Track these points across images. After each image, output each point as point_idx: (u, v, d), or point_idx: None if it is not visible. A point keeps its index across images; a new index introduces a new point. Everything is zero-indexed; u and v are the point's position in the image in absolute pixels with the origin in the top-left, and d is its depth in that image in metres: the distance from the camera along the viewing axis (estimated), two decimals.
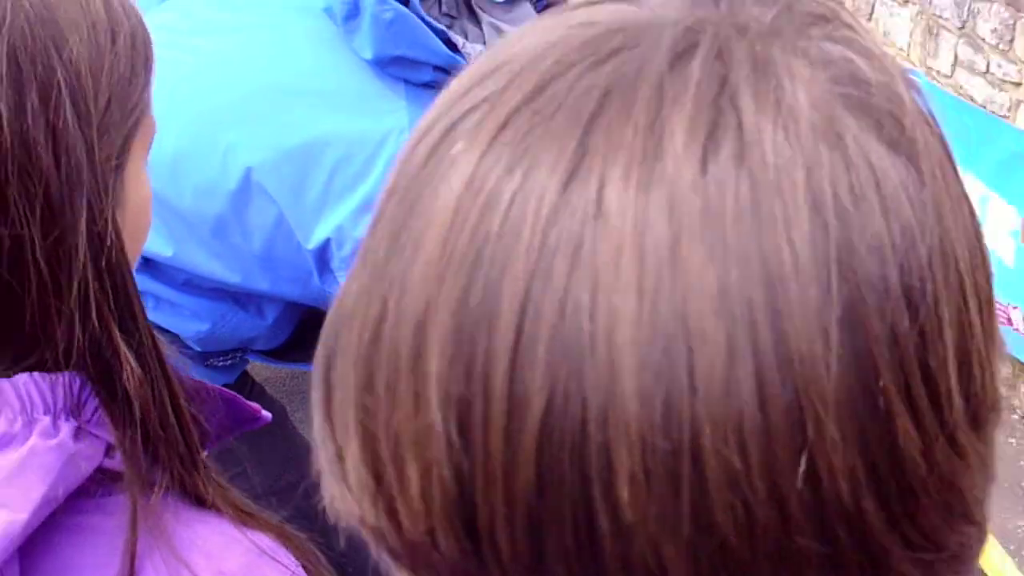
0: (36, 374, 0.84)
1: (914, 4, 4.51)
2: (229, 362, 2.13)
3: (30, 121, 0.81)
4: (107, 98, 0.87)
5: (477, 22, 1.91)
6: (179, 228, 1.87)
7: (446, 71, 1.76)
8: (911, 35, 4.58)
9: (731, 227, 0.41)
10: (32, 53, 0.82)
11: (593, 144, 0.43)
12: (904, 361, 0.43)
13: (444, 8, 1.87)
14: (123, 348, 0.86)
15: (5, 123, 0.81)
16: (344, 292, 0.48)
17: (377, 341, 0.45)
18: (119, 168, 0.90)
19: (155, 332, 0.91)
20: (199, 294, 1.97)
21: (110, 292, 0.86)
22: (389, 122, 1.78)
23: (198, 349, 2.06)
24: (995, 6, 3.92)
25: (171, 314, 1.98)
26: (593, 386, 0.41)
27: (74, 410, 0.85)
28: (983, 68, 4.06)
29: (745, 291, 0.41)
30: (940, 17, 4.31)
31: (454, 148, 0.45)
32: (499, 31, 1.86)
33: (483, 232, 0.43)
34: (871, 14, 4.94)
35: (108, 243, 0.86)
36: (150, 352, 0.89)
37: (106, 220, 0.86)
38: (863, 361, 0.42)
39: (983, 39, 4.03)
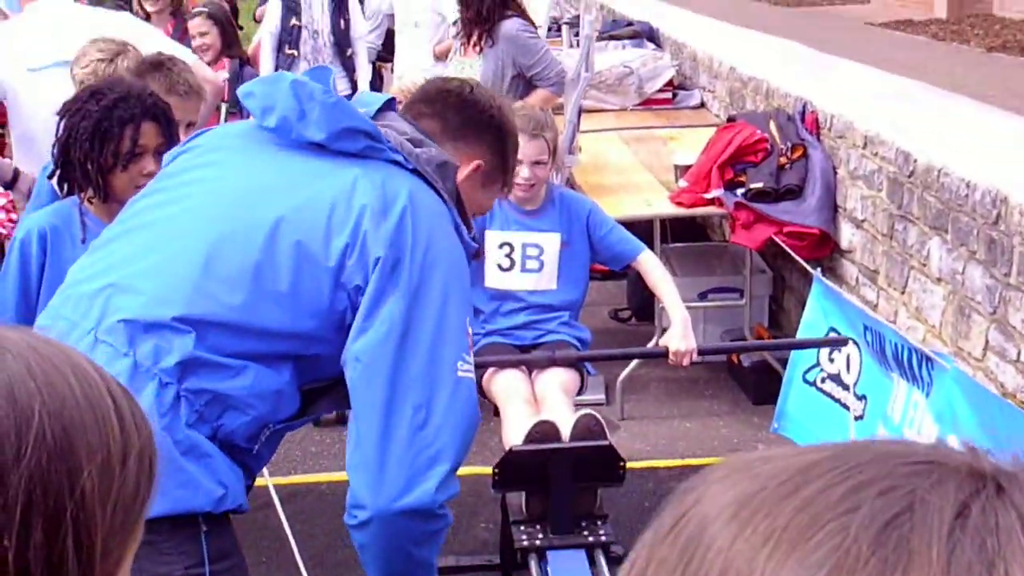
0: None
1: (947, 283, 4.47)
2: (260, 444, 2.36)
3: (31, 556, 0.81)
4: (109, 524, 0.86)
5: None
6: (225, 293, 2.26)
7: (374, 138, 2.38)
8: (943, 314, 4.52)
9: None
10: (46, 487, 0.82)
11: None
12: None
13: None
14: None
15: (10, 559, 0.80)
16: None
17: None
18: None
19: None
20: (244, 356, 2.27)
21: None
22: (350, 175, 2.35)
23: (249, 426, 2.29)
24: None
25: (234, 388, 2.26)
26: None
27: None
28: (1014, 356, 3.98)
29: None
30: (972, 299, 4.25)
31: None
32: None
33: None
34: (904, 287, 4.90)
35: None
36: None
37: None
38: None
39: (1014, 327, 3.96)
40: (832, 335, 4.91)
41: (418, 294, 2.31)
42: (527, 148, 4.16)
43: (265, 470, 4.65)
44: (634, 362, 6.17)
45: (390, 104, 2.60)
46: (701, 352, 4.20)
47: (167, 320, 2.21)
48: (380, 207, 2.32)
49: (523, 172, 4.18)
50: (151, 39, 5.09)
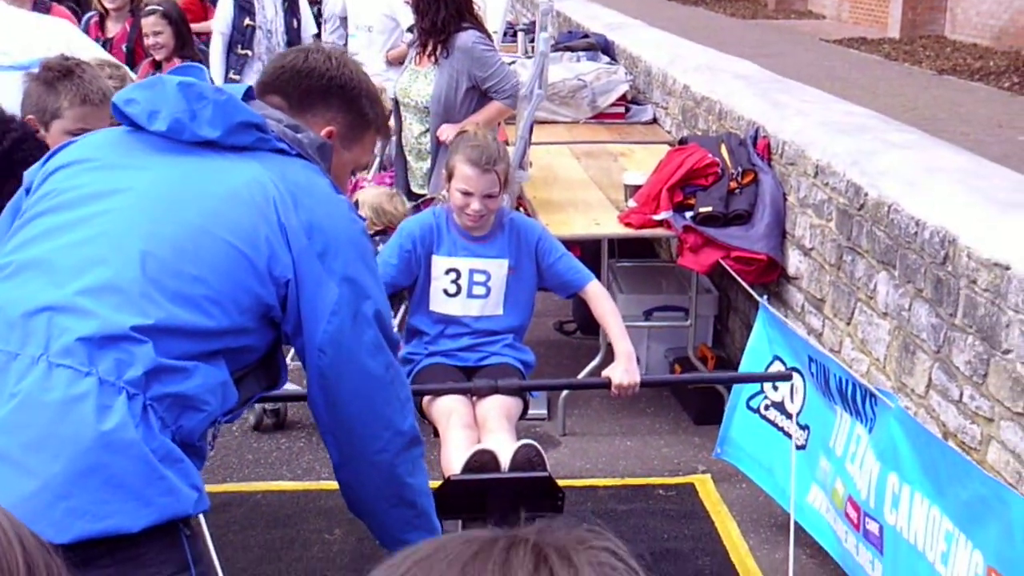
0: None
1: (893, 318, 4.47)
2: (209, 440, 2.42)
3: None
4: None
5: None
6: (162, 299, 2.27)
7: (262, 129, 2.43)
8: (888, 348, 4.52)
9: None
10: None
11: None
12: None
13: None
14: None
15: None
16: None
17: None
18: None
19: None
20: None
21: None
22: (250, 170, 2.41)
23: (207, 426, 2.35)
24: (970, 338, 3.87)
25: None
26: None
27: None
28: (956, 396, 3.99)
29: None
30: (918, 337, 4.26)
31: None
32: None
33: None
34: (850, 318, 4.91)
35: None
36: None
37: None
38: None
39: (957, 368, 3.97)
40: (776, 364, 4.92)
41: (350, 276, 2.44)
42: (478, 182, 4.12)
43: None
44: (578, 376, 6.15)
45: (249, 93, 2.64)
46: (644, 384, 4.18)
47: (125, 331, 2.20)
48: (290, 199, 2.39)
49: (474, 204, 4.14)
50: (83, 44, 5.03)
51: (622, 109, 8.55)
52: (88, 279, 2.25)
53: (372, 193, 6.24)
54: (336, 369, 2.44)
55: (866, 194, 4.76)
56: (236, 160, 2.42)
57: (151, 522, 2.15)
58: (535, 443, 3.68)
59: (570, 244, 6.46)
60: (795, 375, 4.47)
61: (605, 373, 4.13)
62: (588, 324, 6.90)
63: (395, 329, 2.77)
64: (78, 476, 2.10)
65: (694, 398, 6.20)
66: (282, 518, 5.19)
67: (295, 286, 2.38)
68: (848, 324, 4.95)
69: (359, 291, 2.43)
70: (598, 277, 4.84)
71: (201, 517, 3.77)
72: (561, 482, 3.97)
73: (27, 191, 2.51)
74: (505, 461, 3.60)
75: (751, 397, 5.15)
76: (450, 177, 4.21)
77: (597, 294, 4.28)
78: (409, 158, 6.83)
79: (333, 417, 2.51)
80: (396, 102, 6.58)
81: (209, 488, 5.29)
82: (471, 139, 4.22)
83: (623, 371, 4.05)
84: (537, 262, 4.29)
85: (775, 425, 4.99)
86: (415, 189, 6.57)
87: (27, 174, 2.57)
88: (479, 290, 4.27)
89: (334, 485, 5.17)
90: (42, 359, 2.17)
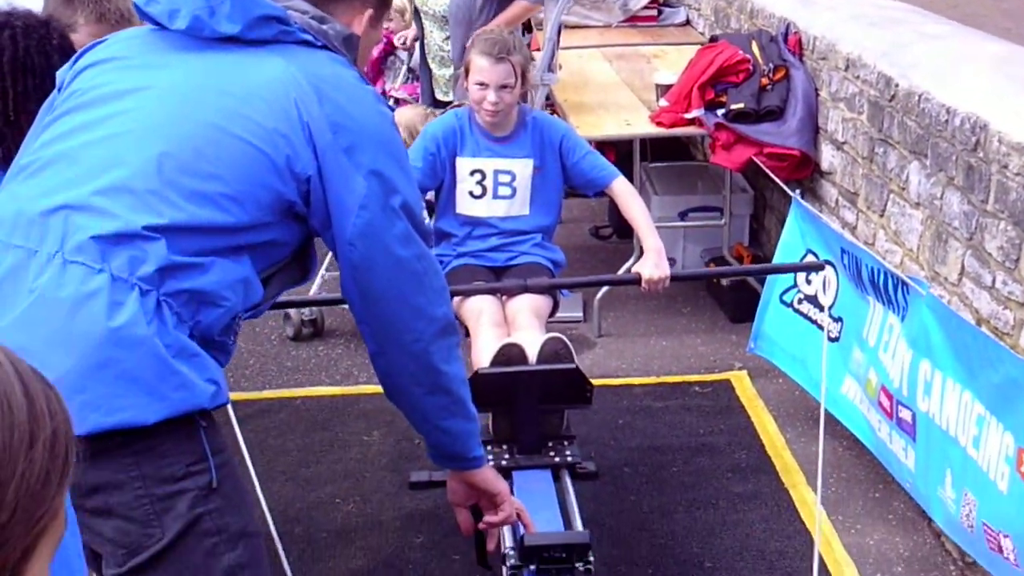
0: None
1: (925, 208, 4.44)
2: (232, 335, 2.42)
3: None
4: (11, 511, 0.83)
5: None
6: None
7: (284, 22, 2.40)
8: (921, 238, 4.50)
9: None
10: None
11: None
12: None
13: None
14: None
15: None
16: None
17: None
18: (16, 573, 0.86)
19: None
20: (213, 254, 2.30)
21: None
22: (273, 64, 2.38)
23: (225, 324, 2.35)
24: (1002, 224, 3.83)
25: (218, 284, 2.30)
26: None
27: None
28: (989, 282, 3.96)
29: None
30: (949, 225, 4.23)
31: None
32: None
33: None
34: (883, 211, 4.88)
35: None
36: None
37: None
38: None
39: (990, 254, 3.94)
40: (809, 257, 4.90)
41: (377, 170, 2.40)
42: (492, 73, 4.10)
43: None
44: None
45: None
46: (674, 279, 4.17)
47: (138, 230, 2.21)
48: (314, 93, 2.36)
49: (490, 97, 4.12)
50: None
51: (654, 12, 8.47)
52: (105, 179, 2.27)
53: (408, 115, 6.22)
54: (367, 262, 2.44)
55: (897, 85, 4.71)
56: (258, 55, 2.40)
57: (164, 415, 2.17)
58: (563, 336, 3.70)
59: (603, 147, 6.45)
60: (827, 266, 4.45)
61: (635, 268, 4.13)
62: (623, 228, 6.89)
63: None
64: (91, 371, 2.12)
65: (730, 297, 6.20)
66: (321, 422, 5.25)
67: (319, 181, 2.37)
68: (881, 216, 4.92)
69: (387, 184, 2.42)
70: (631, 180, 4.83)
71: (231, 413, 3.85)
72: (596, 381, 4.00)
73: (58, 90, 2.54)
74: (533, 355, 3.62)
75: (784, 291, 5.14)
76: (467, 74, 4.19)
77: (623, 190, 4.27)
78: (432, 66, 6.80)
79: (367, 308, 2.52)
80: (417, 11, 6.55)
81: (248, 395, 5.40)
82: (486, 34, 4.21)
83: (652, 265, 4.05)
84: (562, 160, 4.27)
85: (808, 318, 4.98)
86: (439, 97, 6.54)
87: (59, 73, 2.60)
88: (504, 191, 4.27)
89: (372, 389, 5.29)
90: (57, 256, 2.19)
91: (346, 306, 5.78)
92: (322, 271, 6.12)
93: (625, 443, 4.99)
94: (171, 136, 2.31)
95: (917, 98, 4.48)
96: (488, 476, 2.83)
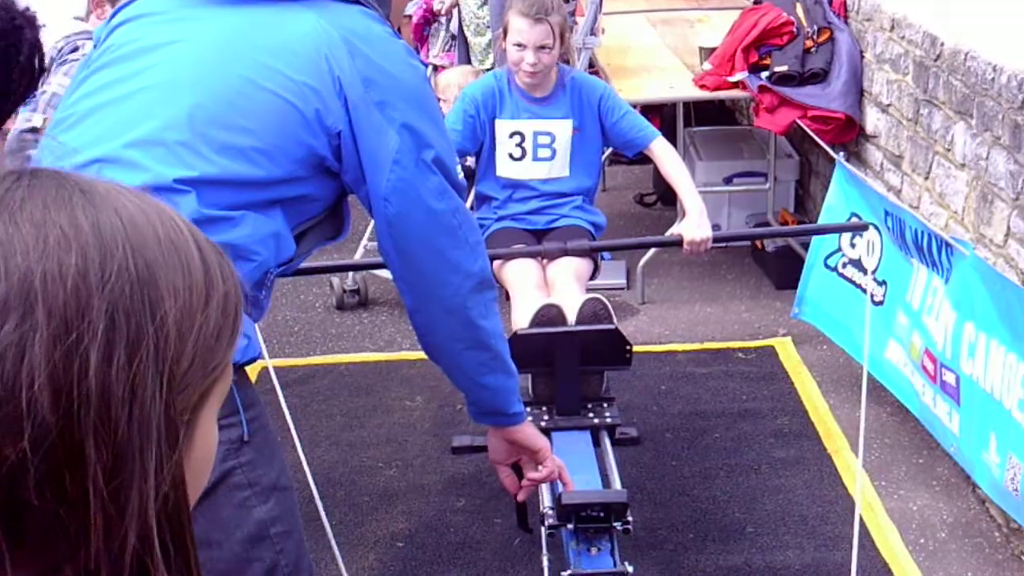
0: None
1: (970, 169, 4.39)
2: (264, 290, 2.40)
3: (114, 375, 0.87)
4: (191, 360, 0.93)
5: None
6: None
7: None
8: (966, 200, 4.44)
9: None
10: (128, 313, 0.89)
11: None
12: None
13: None
14: None
15: (92, 370, 0.86)
16: None
17: None
18: (191, 421, 0.96)
19: None
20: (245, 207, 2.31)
21: (169, 537, 0.93)
22: (306, 20, 2.37)
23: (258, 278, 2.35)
24: None
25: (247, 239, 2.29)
26: None
27: None
28: None
29: None
30: (995, 185, 4.17)
31: None
32: None
33: None
34: (928, 173, 4.82)
35: (170, 491, 0.93)
36: None
37: (172, 467, 0.93)
38: None
39: None
40: (853, 221, 4.85)
41: (409, 124, 2.40)
42: (530, 33, 4.07)
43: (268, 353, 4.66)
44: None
45: None
46: (717, 240, 4.14)
47: (168, 183, 2.21)
48: (345, 48, 2.35)
49: (528, 58, 4.10)
50: None
51: None
52: (137, 132, 2.27)
53: (456, 73, 6.19)
54: (402, 217, 2.43)
55: (942, 44, 4.65)
56: (291, 9, 2.40)
57: None
58: (602, 297, 3.68)
59: (648, 114, 6.41)
60: (871, 228, 4.41)
61: (675, 230, 4.11)
62: (668, 195, 6.86)
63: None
64: None
65: (775, 263, 6.16)
66: (364, 387, 5.27)
67: (350, 136, 2.36)
68: (926, 179, 4.86)
69: (419, 138, 2.41)
70: (675, 145, 4.79)
71: (274, 378, 3.86)
72: (639, 348, 3.99)
73: (95, 46, 2.55)
74: (572, 316, 3.61)
75: (829, 256, 5.10)
76: (505, 34, 4.17)
77: (664, 151, 4.24)
78: (468, 34, 6.78)
79: (403, 264, 2.52)
80: None
81: (293, 362, 5.43)
82: None
83: (694, 226, 4.02)
84: (601, 121, 4.24)
85: (852, 282, 4.94)
86: (475, 65, 6.52)
87: (96, 30, 2.61)
88: (544, 152, 4.25)
89: (415, 355, 5.30)
90: None
91: (389, 275, 5.81)
92: (364, 240, 6.13)
93: (667, 409, 4.97)
94: (203, 89, 2.31)
95: (963, 57, 4.42)
96: (529, 432, 2.82)
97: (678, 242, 4.08)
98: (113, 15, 2.56)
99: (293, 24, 2.38)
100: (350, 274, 5.99)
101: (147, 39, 2.42)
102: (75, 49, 4.12)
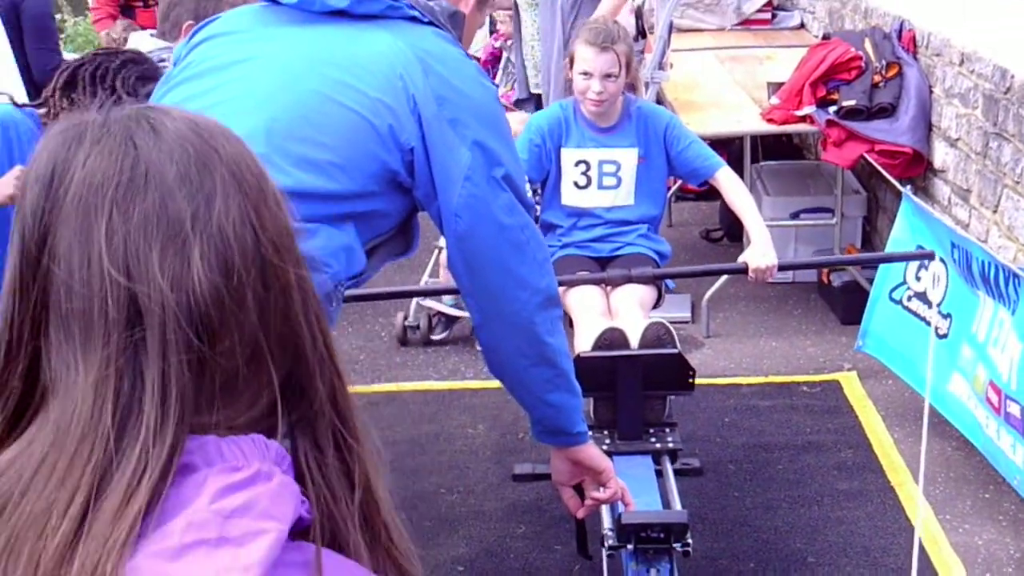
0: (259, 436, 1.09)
1: None
2: (335, 302, 2.47)
3: (231, 219, 1.10)
4: (273, 225, 1.18)
5: None
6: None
7: None
8: None
9: None
10: (239, 179, 1.17)
11: None
12: None
13: None
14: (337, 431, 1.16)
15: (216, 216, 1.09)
16: None
17: None
18: None
19: None
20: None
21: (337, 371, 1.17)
22: (381, 38, 2.44)
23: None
24: None
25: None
26: None
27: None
28: None
29: None
30: None
31: None
32: None
33: None
34: (996, 206, 4.80)
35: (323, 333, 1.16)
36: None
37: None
38: None
39: None
40: (918, 251, 4.84)
41: (481, 142, 2.45)
42: (597, 62, 4.11)
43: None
44: (721, 279, 6.13)
45: None
46: (782, 268, 4.14)
47: None
48: (420, 66, 2.40)
49: (594, 86, 4.14)
50: None
51: (768, 15, 8.41)
52: None
53: (514, 121, 6.25)
54: (472, 232, 2.47)
55: (1012, 76, 4.63)
56: (366, 29, 2.45)
57: None
58: (665, 322, 3.70)
59: (716, 149, 6.42)
60: (937, 258, 4.38)
61: (741, 258, 4.12)
62: (734, 230, 6.86)
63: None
64: None
65: (841, 298, 6.13)
66: (427, 415, 5.30)
67: (423, 153, 2.41)
68: (994, 212, 4.84)
69: (490, 156, 2.45)
70: (742, 179, 4.80)
71: None
72: (702, 380, 3.97)
73: (174, 64, 2.62)
74: (635, 340, 3.63)
75: (894, 288, 5.08)
76: (572, 64, 4.21)
77: (729, 180, 4.25)
78: (525, 53, 6.88)
79: (472, 279, 2.55)
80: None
81: (359, 389, 5.43)
82: (590, 23, 4.23)
83: (760, 255, 4.03)
84: (666, 150, 4.27)
85: (917, 315, 4.92)
86: (532, 90, 6.59)
87: (175, 49, 2.69)
88: (609, 180, 4.28)
89: (478, 384, 5.33)
90: None
91: (454, 311, 5.81)
92: (425, 277, 6.17)
93: (730, 440, 4.96)
94: (279, 103, 2.37)
95: None
96: (592, 453, 2.83)
97: (743, 270, 4.08)
98: (194, 33, 2.63)
99: (368, 43, 2.43)
100: (411, 310, 6.02)
101: (226, 56, 2.49)
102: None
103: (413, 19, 2.49)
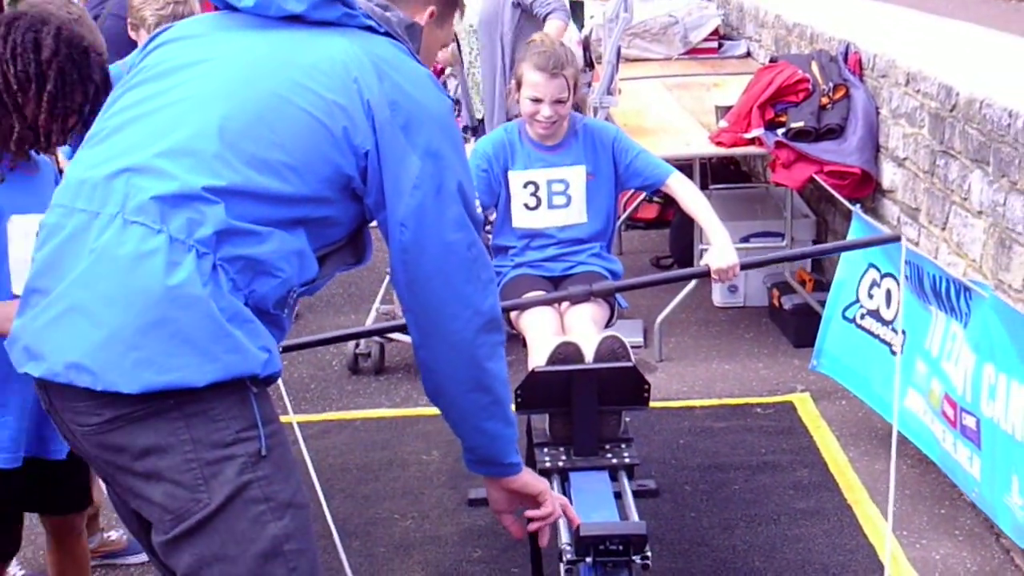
0: None
1: (988, 216, 4.38)
2: (287, 309, 2.42)
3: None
4: None
5: None
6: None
7: (348, 5, 2.44)
8: (984, 247, 4.43)
9: None
10: None
11: None
12: None
13: None
14: None
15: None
16: None
17: None
18: None
19: None
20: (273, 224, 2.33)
21: None
22: (335, 44, 2.42)
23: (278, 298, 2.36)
24: None
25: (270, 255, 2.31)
26: None
27: None
28: None
29: None
30: (1013, 231, 4.17)
31: None
32: None
33: None
34: (945, 223, 4.82)
35: None
36: None
37: None
38: None
39: None
40: (871, 271, 4.85)
41: (433, 150, 2.41)
42: (547, 87, 4.10)
43: (290, 407, 4.64)
44: (673, 304, 6.12)
45: None
46: (743, 267, 4.13)
47: (197, 191, 2.24)
48: (374, 72, 2.37)
49: (544, 111, 4.12)
50: None
51: (715, 44, 8.48)
52: (167, 142, 2.30)
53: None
54: (417, 244, 2.42)
55: (958, 94, 4.67)
56: (322, 34, 2.43)
57: (216, 378, 2.18)
58: (619, 335, 3.67)
59: None
60: (900, 240, 4.30)
61: (703, 261, 4.12)
62: (685, 258, 6.87)
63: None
64: (146, 328, 2.15)
65: (793, 321, 6.14)
66: (380, 442, 5.24)
67: (376, 158, 2.37)
68: (943, 229, 4.86)
69: (442, 165, 2.41)
70: None
71: (298, 432, 3.84)
72: (657, 403, 3.92)
73: (128, 71, 2.58)
74: (590, 354, 3.59)
75: (847, 307, 5.09)
76: (519, 86, 4.19)
77: (682, 185, 4.24)
78: (470, 83, 6.89)
79: (413, 294, 2.49)
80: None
81: (309, 417, 5.41)
82: (537, 46, 4.20)
83: (720, 256, 4.03)
84: (615, 163, 4.25)
85: (871, 333, 4.92)
86: (477, 116, 6.59)
87: (129, 58, 2.67)
88: (559, 200, 4.25)
89: (431, 411, 5.23)
90: (118, 216, 2.23)
91: (405, 338, 5.76)
92: (377, 303, 6.13)
93: (685, 462, 4.94)
94: (233, 102, 2.34)
95: (978, 105, 4.44)
96: (527, 480, 2.75)
97: (705, 272, 4.08)
98: (149, 41, 2.61)
99: (324, 46, 2.41)
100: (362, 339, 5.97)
101: (180, 58, 2.46)
102: None
103: (369, 28, 2.47)
